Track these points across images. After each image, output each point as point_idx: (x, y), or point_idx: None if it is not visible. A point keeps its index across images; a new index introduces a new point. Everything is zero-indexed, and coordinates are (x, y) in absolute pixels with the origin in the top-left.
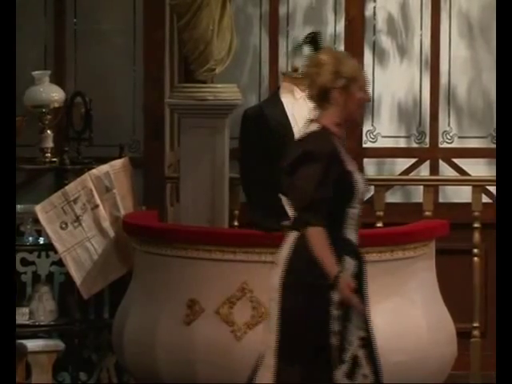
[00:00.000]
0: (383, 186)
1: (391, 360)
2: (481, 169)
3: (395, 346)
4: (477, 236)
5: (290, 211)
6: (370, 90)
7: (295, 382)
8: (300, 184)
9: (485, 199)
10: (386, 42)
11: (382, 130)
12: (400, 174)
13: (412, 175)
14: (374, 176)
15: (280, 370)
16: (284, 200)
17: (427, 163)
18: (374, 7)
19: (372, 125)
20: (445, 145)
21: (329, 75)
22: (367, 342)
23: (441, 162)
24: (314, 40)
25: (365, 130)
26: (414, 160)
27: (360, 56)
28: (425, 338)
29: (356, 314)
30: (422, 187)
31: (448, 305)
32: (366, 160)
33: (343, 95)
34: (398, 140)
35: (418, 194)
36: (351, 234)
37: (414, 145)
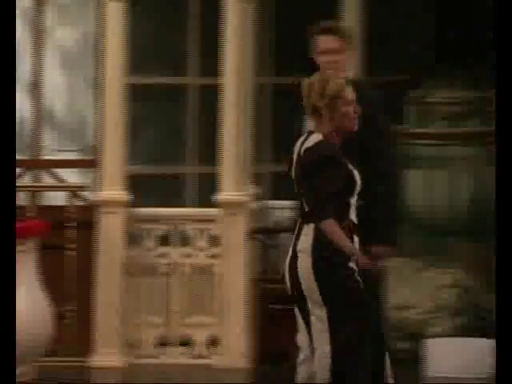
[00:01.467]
0: None
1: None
2: (75, 176)
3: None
4: (72, 233)
5: (306, 206)
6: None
7: (353, 343)
8: (318, 185)
9: (79, 202)
10: None
11: None
12: None
13: (19, 182)
14: None
15: (338, 339)
16: None
17: (32, 172)
18: None
19: None
20: (46, 156)
21: (316, 96)
22: None
23: (43, 171)
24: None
25: None
26: (20, 169)
27: None
28: (24, 321)
29: None
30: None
31: (48, 291)
32: None
33: (330, 110)
34: None
35: (23, 198)
36: (354, 218)
37: (21, 156)
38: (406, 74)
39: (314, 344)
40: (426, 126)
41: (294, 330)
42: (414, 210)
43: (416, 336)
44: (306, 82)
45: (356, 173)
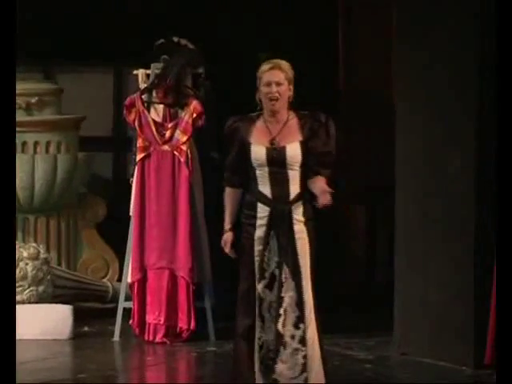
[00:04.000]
0: None
1: None
2: None
3: None
4: None
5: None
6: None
7: None
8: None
9: None
10: None
11: None
12: None
13: None
14: None
15: None
16: None
17: None
18: None
19: None
20: None
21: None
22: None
23: None
24: None
25: None
26: None
27: None
28: None
29: None
30: None
31: None
32: None
33: (258, 91)
34: None
35: None
36: (267, 190)
37: None
38: None
39: None
40: None
41: None
42: None
43: None
44: None
45: (256, 148)
